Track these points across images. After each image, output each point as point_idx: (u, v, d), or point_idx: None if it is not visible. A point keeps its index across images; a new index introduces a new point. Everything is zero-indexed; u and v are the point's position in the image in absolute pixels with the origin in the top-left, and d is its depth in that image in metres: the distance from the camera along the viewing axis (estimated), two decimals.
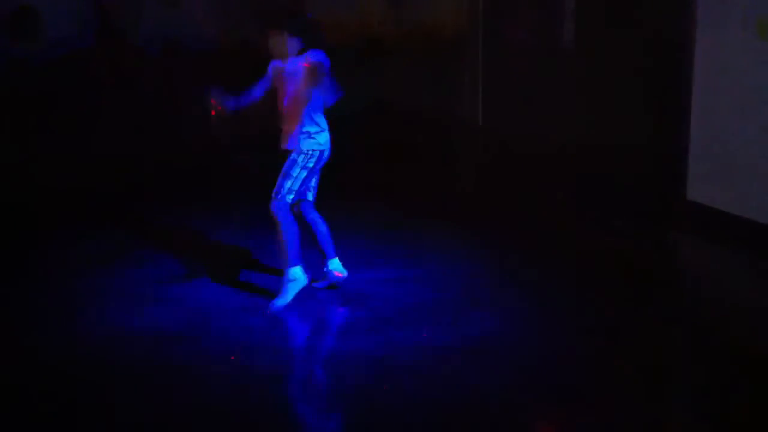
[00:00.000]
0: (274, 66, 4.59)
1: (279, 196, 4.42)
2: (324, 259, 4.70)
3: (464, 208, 6.51)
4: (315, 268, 4.69)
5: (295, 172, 4.45)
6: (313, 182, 4.61)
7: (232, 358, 3.95)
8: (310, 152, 4.47)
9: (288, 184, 4.44)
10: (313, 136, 4.48)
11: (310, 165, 4.48)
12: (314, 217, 4.65)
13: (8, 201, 6.34)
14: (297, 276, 4.48)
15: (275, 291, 4.52)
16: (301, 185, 4.48)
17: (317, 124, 4.50)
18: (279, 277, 4.54)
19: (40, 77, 7.18)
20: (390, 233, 5.83)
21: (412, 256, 5.36)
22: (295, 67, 4.46)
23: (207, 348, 4.05)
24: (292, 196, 4.45)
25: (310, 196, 4.63)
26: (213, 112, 4.65)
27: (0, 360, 3.95)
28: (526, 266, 5.17)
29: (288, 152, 4.50)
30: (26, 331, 4.26)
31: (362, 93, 9.34)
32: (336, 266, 4.71)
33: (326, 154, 4.55)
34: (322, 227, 4.65)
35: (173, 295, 4.67)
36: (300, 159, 4.46)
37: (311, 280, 4.66)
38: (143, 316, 4.40)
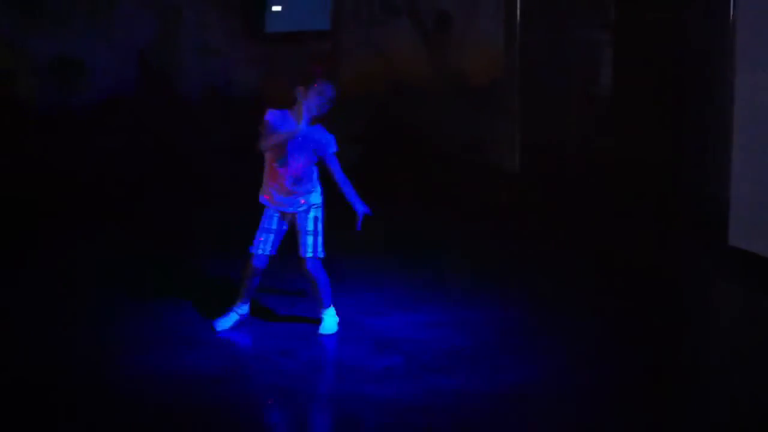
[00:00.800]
0: (280, 122, 4.48)
1: (315, 255, 4.58)
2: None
3: (501, 253, 6.47)
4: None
5: (321, 226, 4.60)
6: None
7: (270, 401, 3.94)
8: (320, 203, 4.62)
9: (320, 240, 4.59)
10: (316, 189, 4.60)
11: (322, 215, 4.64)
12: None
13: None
14: (333, 312, 4.70)
15: (310, 335, 4.57)
16: None
17: (318, 181, 4.63)
18: (312, 323, 4.68)
19: (82, 125, 7.34)
20: (423, 277, 5.79)
21: (448, 300, 5.32)
22: (314, 136, 4.50)
23: (244, 392, 4.05)
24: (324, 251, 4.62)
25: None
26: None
27: (38, 403, 3.96)
28: (563, 313, 5.12)
29: (293, 214, 4.57)
30: (63, 373, 4.26)
31: (396, 137, 9.48)
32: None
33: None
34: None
35: (209, 338, 4.68)
36: (320, 213, 4.60)
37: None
38: (181, 359, 4.40)
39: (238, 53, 8.62)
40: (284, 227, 4.62)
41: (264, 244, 4.59)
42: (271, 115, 4.48)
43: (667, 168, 7.63)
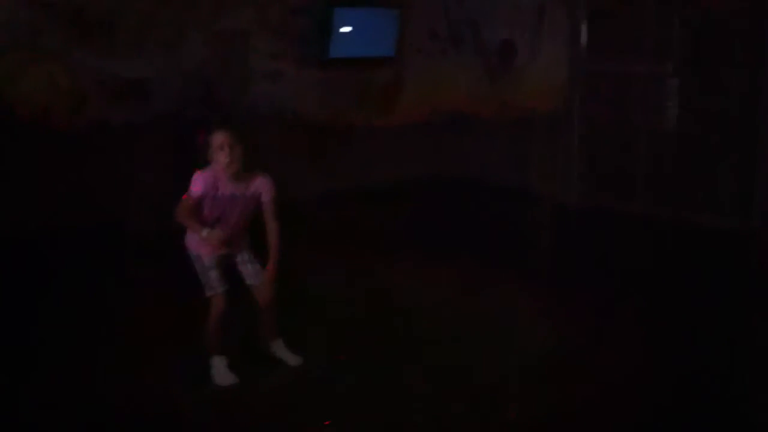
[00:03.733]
0: (212, 183, 4.35)
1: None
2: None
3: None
4: None
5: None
6: None
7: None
8: None
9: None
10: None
11: None
12: None
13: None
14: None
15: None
16: None
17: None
18: None
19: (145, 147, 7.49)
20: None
21: None
22: (254, 187, 4.47)
23: None
24: None
25: None
26: None
27: None
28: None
29: (230, 256, 4.59)
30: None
31: (453, 169, 9.49)
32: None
33: None
34: None
35: None
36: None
37: None
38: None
39: (302, 79, 8.73)
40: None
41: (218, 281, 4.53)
42: (199, 182, 4.34)
43: (731, 203, 7.54)
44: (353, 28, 8.82)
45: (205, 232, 4.31)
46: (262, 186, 4.49)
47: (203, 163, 4.39)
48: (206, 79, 7.95)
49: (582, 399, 4.43)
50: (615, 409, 4.32)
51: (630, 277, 6.36)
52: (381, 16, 9.09)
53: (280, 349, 4.82)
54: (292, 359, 4.78)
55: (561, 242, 7.57)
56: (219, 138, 4.30)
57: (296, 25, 8.60)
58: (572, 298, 5.94)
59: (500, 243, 7.32)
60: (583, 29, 8.74)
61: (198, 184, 4.34)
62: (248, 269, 4.64)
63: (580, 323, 5.47)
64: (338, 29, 8.71)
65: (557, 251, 7.23)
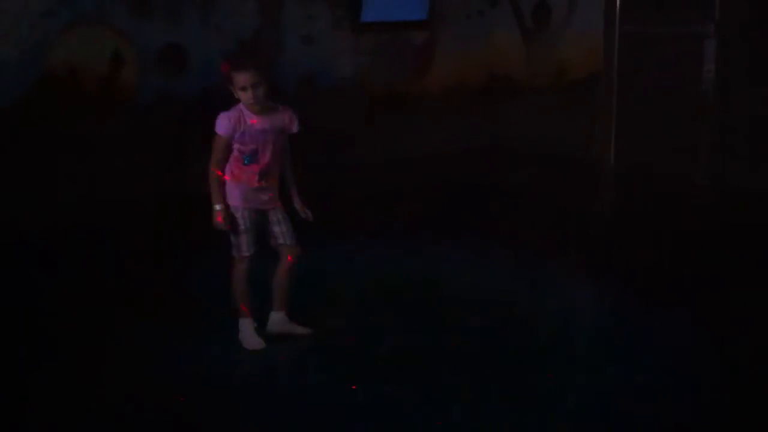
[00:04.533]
0: (237, 120, 4.32)
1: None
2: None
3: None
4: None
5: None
6: None
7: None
8: None
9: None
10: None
11: None
12: None
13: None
14: None
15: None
16: None
17: None
18: None
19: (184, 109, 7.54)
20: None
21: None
22: (280, 119, 4.42)
23: None
24: None
25: None
26: None
27: None
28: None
29: (267, 210, 4.48)
30: None
31: (488, 131, 9.42)
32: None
33: None
34: None
35: None
36: None
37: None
38: None
39: (335, 43, 8.69)
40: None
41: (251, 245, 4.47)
42: (224, 124, 4.32)
43: None
44: None
45: (218, 207, 4.35)
46: (288, 119, 4.47)
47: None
48: (242, 41, 7.97)
49: None
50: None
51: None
52: None
53: (285, 323, 4.67)
54: (302, 330, 4.67)
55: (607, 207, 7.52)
56: (242, 78, 4.25)
57: None
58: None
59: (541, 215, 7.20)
60: None
61: (222, 125, 4.33)
62: (281, 229, 4.53)
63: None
64: None
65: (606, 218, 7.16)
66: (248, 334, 4.50)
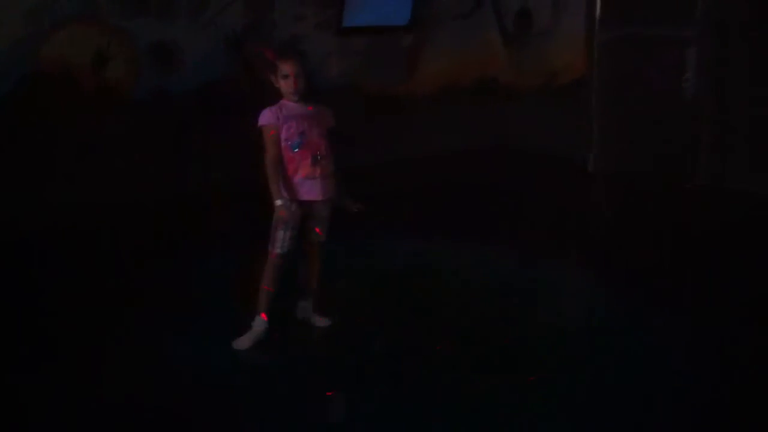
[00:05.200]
0: (277, 110, 4.37)
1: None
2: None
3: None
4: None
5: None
6: None
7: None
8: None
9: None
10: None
11: None
12: None
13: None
14: None
15: None
16: None
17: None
18: None
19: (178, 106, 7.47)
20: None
21: None
22: (317, 110, 4.46)
23: None
24: None
25: None
26: None
27: None
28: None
29: (318, 202, 4.47)
30: None
31: (476, 134, 9.46)
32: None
33: None
34: None
35: None
36: None
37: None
38: None
39: (321, 46, 8.67)
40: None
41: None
42: (265, 114, 4.38)
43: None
44: None
45: (279, 202, 4.29)
46: (325, 111, 4.51)
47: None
48: (234, 40, 7.93)
49: None
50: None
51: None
52: None
53: (309, 312, 4.74)
54: (322, 322, 4.72)
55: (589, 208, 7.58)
56: (286, 66, 4.32)
57: None
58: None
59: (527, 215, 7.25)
60: None
61: (263, 116, 4.36)
62: (321, 225, 4.54)
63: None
64: None
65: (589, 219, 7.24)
66: (251, 335, 4.46)
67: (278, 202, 4.29)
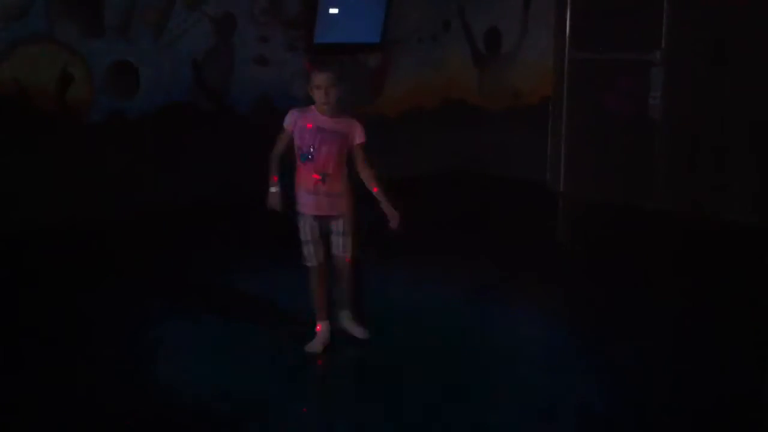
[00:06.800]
0: (297, 117, 4.58)
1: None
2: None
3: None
4: None
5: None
6: None
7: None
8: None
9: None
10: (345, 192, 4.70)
11: None
12: None
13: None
14: None
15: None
16: None
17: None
18: None
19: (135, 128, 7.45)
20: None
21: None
22: (343, 126, 4.56)
23: None
24: None
25: None
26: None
27: None
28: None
29: (329, 218, 4.65)
30: None
31: (443, 155, 9.47)
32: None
33: None
34: None
35: None
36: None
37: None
38: None
39: (288, 64, 8.64)
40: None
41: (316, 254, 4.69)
42: (287, 116, 4.61)
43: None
44: (339, 13, 8.74)
45: (273, 189, 4.58)
46: (352, 127, 4.61)
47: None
48: (194, 62, 7.89)
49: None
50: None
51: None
52: (368, 2, 9.01)
53: (347, 321, 4.90)
54: (358, 332, 4.86)
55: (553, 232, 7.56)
56: (319, 78, 4.47)
57: (284, 9, 8.51)
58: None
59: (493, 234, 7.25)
60: (569, 17, 8.75)
61: (287, 116, 4.61)
62: (339, 241, 4.72)
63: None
64: (323, 15, 8.62)
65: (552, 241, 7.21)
66: (317, 340, 4.73)
67: (271, 189, 4.59)
